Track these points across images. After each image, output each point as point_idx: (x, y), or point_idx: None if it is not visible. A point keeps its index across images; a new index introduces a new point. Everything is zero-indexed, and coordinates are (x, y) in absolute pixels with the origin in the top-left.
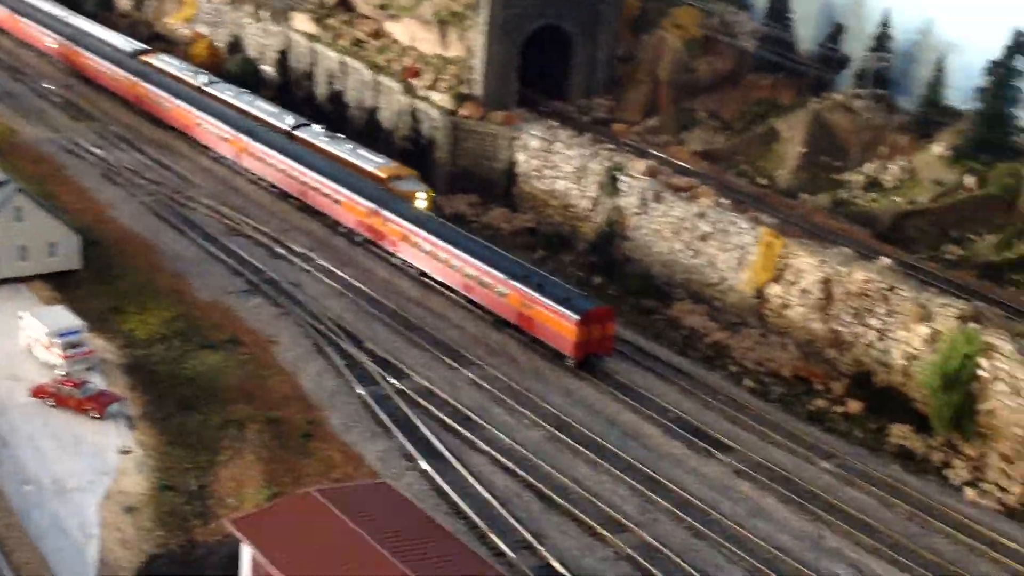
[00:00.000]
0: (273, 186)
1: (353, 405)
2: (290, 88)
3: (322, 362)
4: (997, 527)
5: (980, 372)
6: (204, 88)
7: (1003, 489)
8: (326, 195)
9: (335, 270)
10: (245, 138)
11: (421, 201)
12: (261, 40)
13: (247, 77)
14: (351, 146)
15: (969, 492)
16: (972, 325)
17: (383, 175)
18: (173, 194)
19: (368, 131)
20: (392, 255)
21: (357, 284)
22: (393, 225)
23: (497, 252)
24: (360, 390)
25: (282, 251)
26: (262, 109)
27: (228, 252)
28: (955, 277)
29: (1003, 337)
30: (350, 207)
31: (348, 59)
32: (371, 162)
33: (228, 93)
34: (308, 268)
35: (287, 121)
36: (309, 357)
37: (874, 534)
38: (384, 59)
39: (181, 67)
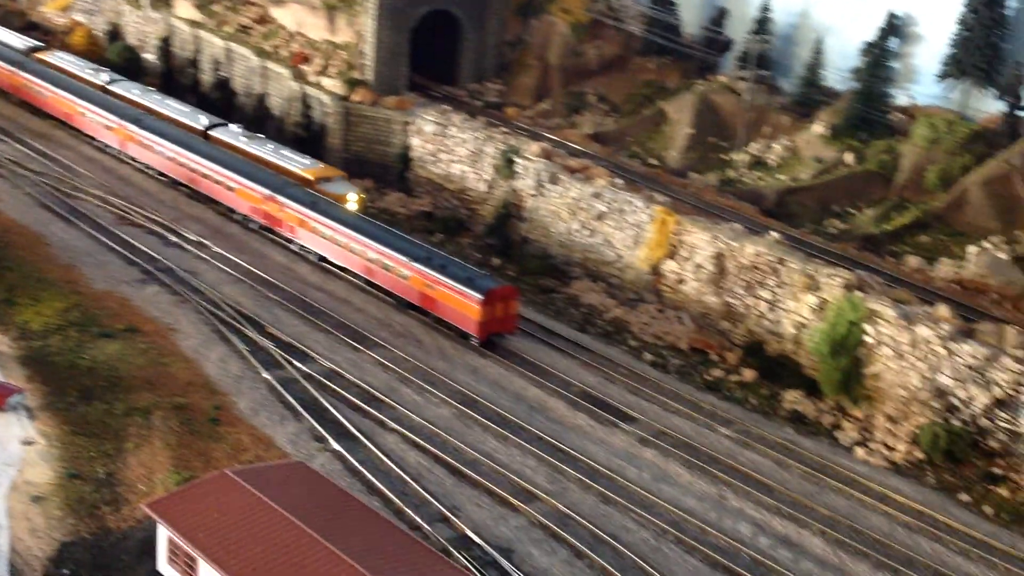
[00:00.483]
0: (161, 174)
1: (260, 389)
2: (173, 76)
3: (225, 348)
4: (886, 482)
5: (866, 338)
6: (107, 87)
7: (890, 448)
8: (218, 182)
9: (232, 257)
10: (130, 126)
11: (352, 204)
12: (142, 28)
13: (128, 66)
14: (273, 146)
15: (859, 451)
16: (857, 293)
17: (310, 177)
18: (59, 184)
19: (257, 118)
20: (290, 241)
21: (255, 271)
22: (290, 211)
23: (398, 235)
24: (266, 374)
25: (175, 239)
26: (172, 108)
27: (120, 241)
28: (838, 249)
29: (886, 303)
30: (244, 193)
31: (234, 45)
32: (297, 163)
33: (135, 92)
34: (204, 256)
35: (201, 121)
36: (211, 344)
37: (773, 493)
38: (271, 45)
39: (80, 64)
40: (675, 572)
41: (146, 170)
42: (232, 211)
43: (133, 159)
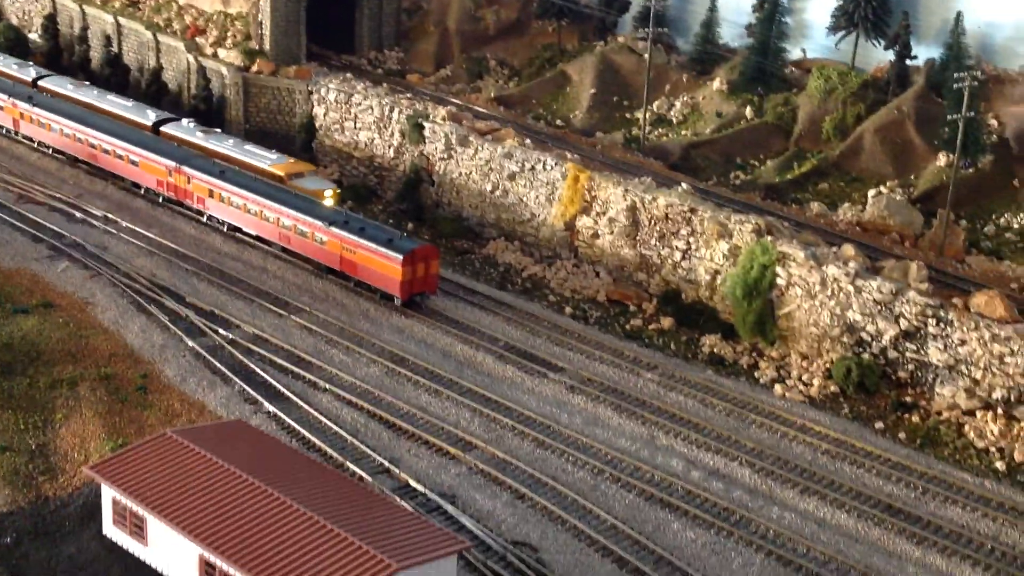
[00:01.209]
0: (59, 152)
1: (185, 357)
2: (61, 55)
3: (144, 319)
4: (805, 415)
5: (777, 280)
6: (38, 83)
7: (806, 384)
8: (120, 156)
9: (141, 231)
10: (23, 104)
11: (329, 200)
12: (24, 6)
13: (12, 46)
14: (233, 141)
15: (777, 388)
16: (767, 237)
17: (281, 173)
18: None
19: (153, 93)
20: (200, 213)
21: (167, 243)
22: (198, 182)
23: (311, 200)
24: (190, 342)
25: (81, 215)
26: (115, 104)
27: (24, 219)
28: (744, 199)
29: (795, 246)
30: (149, 167)
31: (124, 20)
32: (263, 159)
33: (68, 87)
34: (112, 231)
35: (149, 116)
36: (130, 315)
37: (700, 430)
38: (162, 19)
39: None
40: (614, 507)
41: (42, 149)
42: (137, 186)
43: (29, 139)
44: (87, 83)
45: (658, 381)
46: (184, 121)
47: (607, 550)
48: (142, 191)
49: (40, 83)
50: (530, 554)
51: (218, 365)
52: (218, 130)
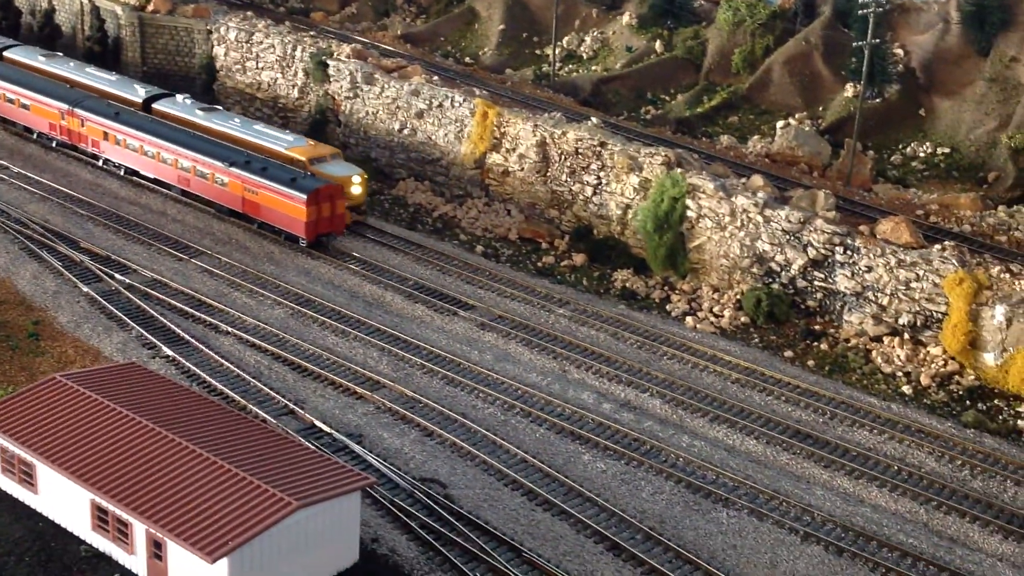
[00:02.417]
0: None
1: (80, 303)
2: None
3: (36, 265)
4: (716, 345)
5: (688, 212)
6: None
7: (717, 315)
8: (11, 101)
9: (33, 176)
10: None
11: (357, 187)
12: None
13: None
14: (239, 120)
15: (689, 320)
16: (677, 170)
17: (302, 157)
18: None
19: (46, 37)
20: (95, 157)
21: (61, 188)
22: (92, 124)
23: (211, 141)
24: (85, 288)
25: None
26: (99, 79)
27: None
28: (655, 133)
29: (705, 178)
30: (40, 110)
31: None
32: (279, 141)
33: (40, 60)
34: (2, 176)
35: (138, 92)
36: (21, 261)
37: (611, 363)
38: None
39: None
40: (524, 441)
41: None
42: (29, 131)
43: None
44: (59, 55)
45: (570, 316)
46: (179, 97)
47: (516, 483)
48: (34, 136)
49: (6, 54)
50: (438, 490)
51: (114, 310)
52: (219, 107)
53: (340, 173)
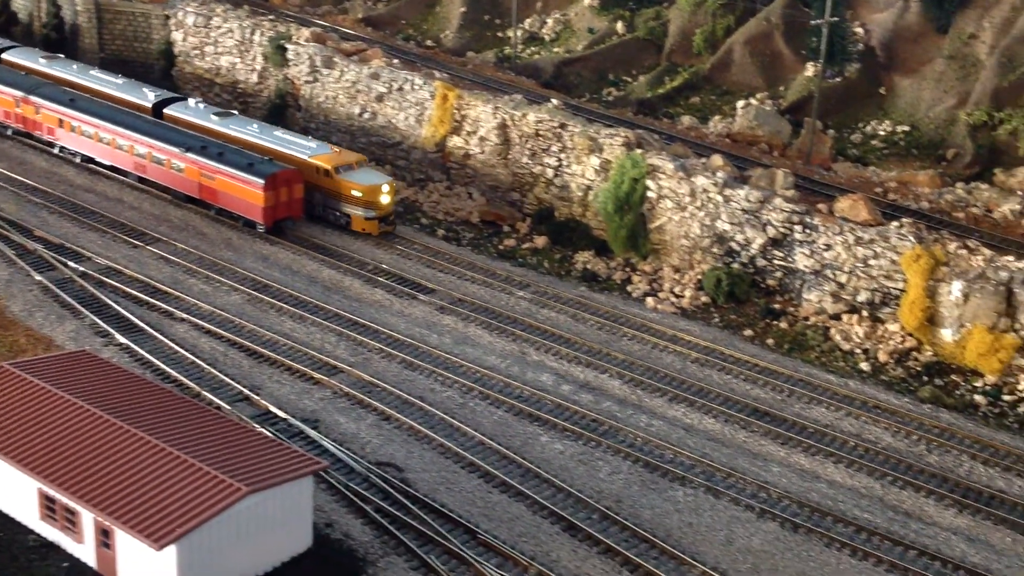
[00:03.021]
0: None
1: (32, 291)
2: None
3: None
4: (676, 325)
5: (648, 193)
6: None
7: (678, 295)
8: None
9: None
10: None
11: (385, 196)
12: None
13: None
14: (258, 126)
15: (649, 301)
16: (637, 151)
17: (327, 166)
18: None
19: (2, 25)
20: (51, 144)
21: (15, 176)
22: (48, 112)
23: (167, 127)
24: (38, 276)
25: None
26: (107, 83)
27: None
28: (616, 114)
29: (665, 158)
30: None
31: None
32: (302, 148)
33: (41, 62)
34: None
35: (148, 97)
36: None
37: (571, 345)
38: None
39: None
40: (482, 424)
41: None
42: None
43: None
44: (59, 56)
45: (530, 299)
46: (191, 101)
47: (473, 466)
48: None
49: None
50: (394, 474)
51: (67, 298)
52: (235, 111)
53: (368, 181)
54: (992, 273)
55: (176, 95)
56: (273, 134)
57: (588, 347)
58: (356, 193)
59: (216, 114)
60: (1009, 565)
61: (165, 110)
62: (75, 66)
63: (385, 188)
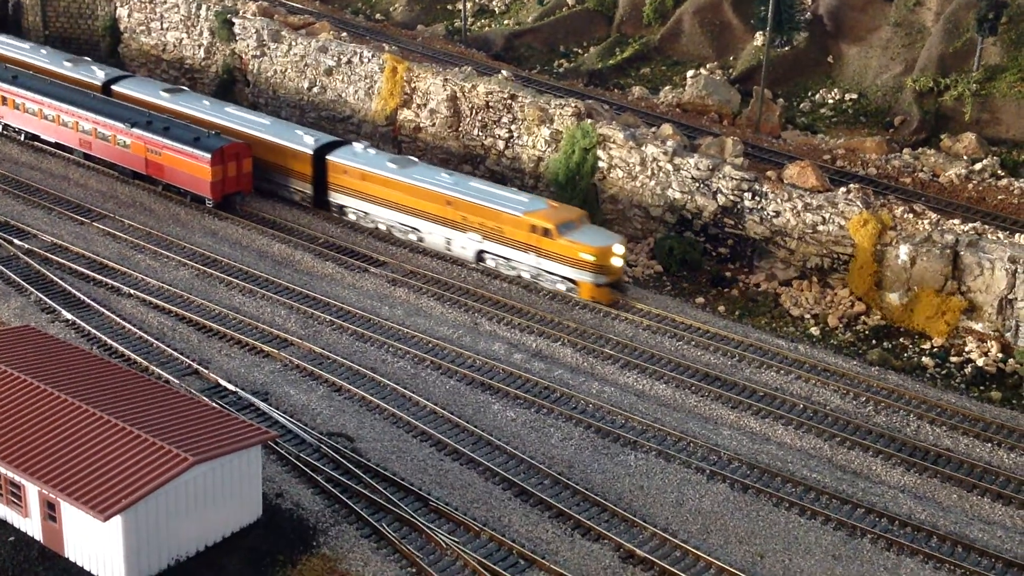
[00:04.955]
0: None
1: None
2: None
3: None
4: (629, 293)
5: (599, 163)
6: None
7: (631, 264)
8: None
9: None
10: None
11: (618, 258)
12: None
13: None
14: (451, 178)
15: None
16: (587, 121)
17: (548, 224)
18: None
19: None
20: None
21: None
22: None
23: (112, 103)
24: None
25: None
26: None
27: None
28: (567, 86)
29: (615, 128)
30: None
31: None
32: (514, 205)
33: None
34: None
35: (307, 142)
36: None
37: (523, 315)
38: None
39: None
40: (434, 393)
41: None
42: None
43: None
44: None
45: (482, 270)
46: (358, 146)
47: (425, 435)
48: None
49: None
50: (345, 444)
51: (12, 276)
52: (413, 158)
53: (598, 242)
54: (938, 237)
55: (338, 139)
56: (480, 188)
57: (540, 316)
58: (586, 257)
59: (392, 161)
60: (955, 521)
61: (328, 156)
62: (94, 66)
63: (618, 249)
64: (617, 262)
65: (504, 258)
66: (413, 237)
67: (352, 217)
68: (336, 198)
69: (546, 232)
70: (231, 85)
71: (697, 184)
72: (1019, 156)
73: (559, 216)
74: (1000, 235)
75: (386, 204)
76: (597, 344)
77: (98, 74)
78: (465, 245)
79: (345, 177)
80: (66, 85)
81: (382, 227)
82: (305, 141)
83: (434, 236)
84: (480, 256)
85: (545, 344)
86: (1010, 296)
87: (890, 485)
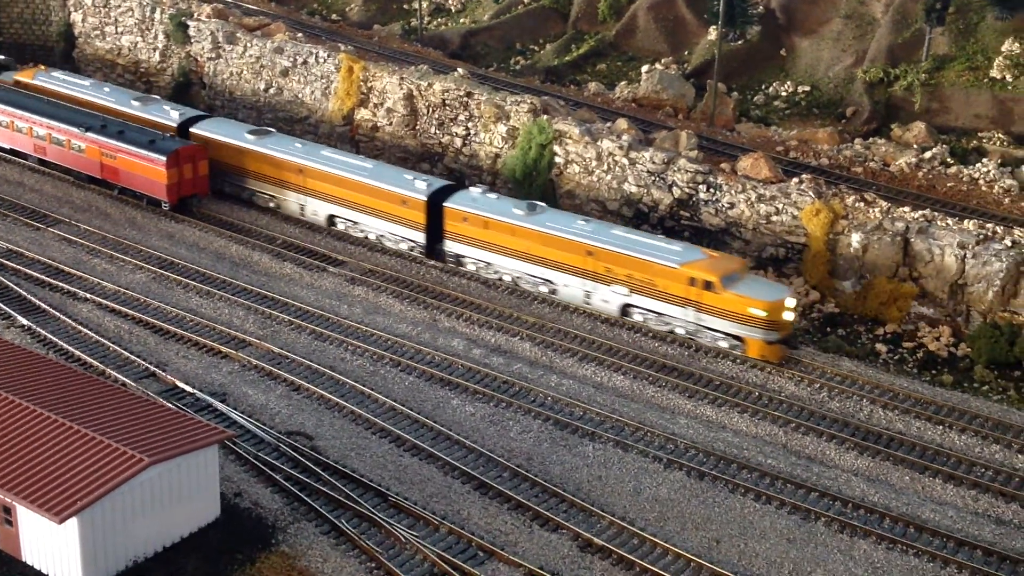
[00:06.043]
0: None
1: None
2: None
3: None
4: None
5: (556, 159)
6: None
7: None
8: None
9: None
10: None
11: (789, 312)
12: None
13: None
14: (620, 229)
15: None
16: (543, 117)
17: (711, 277)
18: None
19: None
20: None
21: None
22: None
23: (66, 107)
24: None
25: None
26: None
27: None
28: (523, 83)
29: (571, 123)
30: None
31: None
32: (668, 256)
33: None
34: None
35: (419, 186)
36: None
37: (482, 311)
38: None
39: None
40: (393, 390)
41: None
42: None
43: None
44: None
45: (441, 268)
46: (474, 190)
47: (384, 431)
48: None
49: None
50: (304, 442)
51: None
52: (543, 204)
53: (767, 296)
54: (889, 224)
55: (453, 182)
56: (636, 239)
57: (499, 312)
58: (757, 312)
59: (523, 209)
60: (908, 503)
61: (446, 203)
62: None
63: (790, 303)
64: (789, 316)
65: (655, 312)
66: (544, 289)
67: (471, 268)
68: (453, 247)
69: (708, 285)
70: (187, 88)
71: (653, 177)
72: (967, 144)
73: (721, 267)
74: (949, 222)
75: (513, 254)
76: (555, 338)
77: (172, 115)
78: (608, 298)
79: (464, 225)
80: (19, 91)
81: (507, 279)
82: (416, 186)
83: (570, 289)
84: (625, 310)
85: (504, 339)
86: (960, 281)
87: (843, 469)
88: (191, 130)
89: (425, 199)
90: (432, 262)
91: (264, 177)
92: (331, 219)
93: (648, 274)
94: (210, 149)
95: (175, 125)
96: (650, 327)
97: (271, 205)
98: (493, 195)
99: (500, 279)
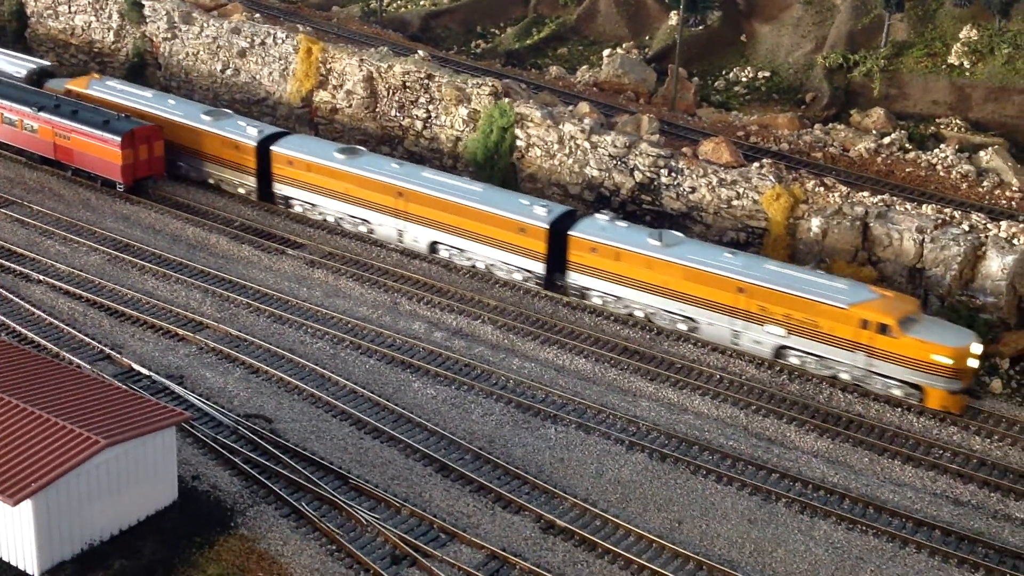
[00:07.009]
0: None
1: None
2: None
3: None
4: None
5: (518, 142)
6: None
7: None
8: None
9: None
10: None
11: (975, 360)
12: None
13: None
14: (790, 269)
15: None
16: (505, 100)
17: (888, 319)
18: None
19: None
20: None
21: None
22: None
23: (18, 86)
24: None
25: None
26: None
27: None
28: (484, 66)
29: (532, 106)
30: None
31: None
32: (834, 293)
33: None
34: None
35: (538, 212)
36: None
37: (444, 294)
38: None
39: None
40: (353, 373)
41: None
42: None
43: None
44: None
45: (402, 251)
46: (602, 217)
47: (345, 414)
48: None
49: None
50: (263, 425)
51: None
52: (680, 235)
53: (952, 342)
54: (848, 209)
55: (603, 213)
56: (800, 276)
57: (461, 295)
58: (942, 360)
59: (654, 237)
60: (867, 483)
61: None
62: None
63: (976, 349)
64: (974, 363)
65: (816, 356)
66: (683, 326)
67: (597, 301)
68: (578, 280)
69: (884, 328)
70: (142, 69)
71: (614, 161)
72: (926, 130)
73: (897, 309)
74: (908, 206)
75: (646, 288)
76: (517, 321)
77: (249, 131)
78: (761, 339)
79: (592, 256)
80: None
81: (638, 313)
82: (536, 213)
83: (716, 327)
84: (780, 352)
85: (465, 322)
86: (918, 265)
87: (804, 451)
88: (272, 149)
89: (547, 227)
90: (392, 245)
91: (356, 200)
92: (433, 246)
93: (810, 314)
94: (294, 168)
95: (254, 144)
96: (807, 369)
97: (361, 230)
98: (623, 223)
99: (631, 315)
